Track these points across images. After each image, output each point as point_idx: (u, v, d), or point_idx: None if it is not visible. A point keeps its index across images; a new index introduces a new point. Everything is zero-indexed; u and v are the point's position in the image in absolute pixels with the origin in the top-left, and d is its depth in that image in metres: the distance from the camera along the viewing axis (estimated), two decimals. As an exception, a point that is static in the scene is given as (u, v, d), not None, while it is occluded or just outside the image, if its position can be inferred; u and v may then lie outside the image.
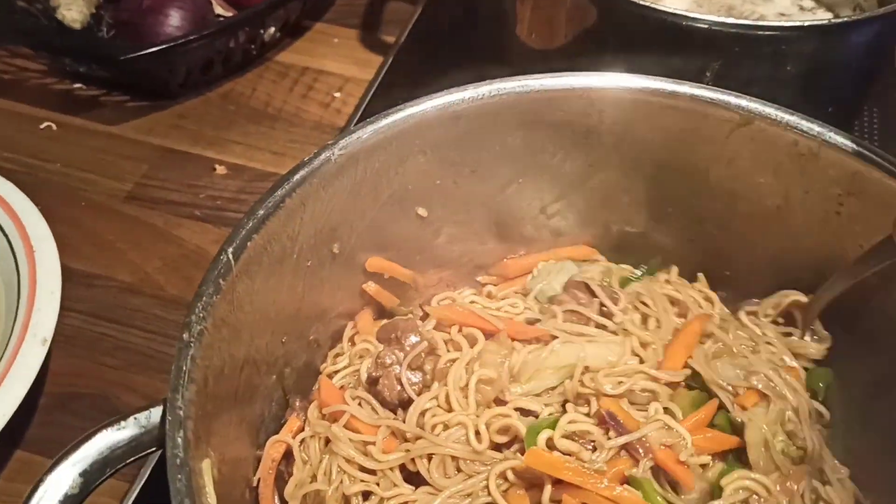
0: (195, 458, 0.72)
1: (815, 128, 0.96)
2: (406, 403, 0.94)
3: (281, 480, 0.96)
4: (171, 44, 1.44)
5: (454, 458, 0.87)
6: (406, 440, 0.91)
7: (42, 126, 1.50)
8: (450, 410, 0.90)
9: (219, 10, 1.64)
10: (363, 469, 0.90)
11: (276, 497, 0.95)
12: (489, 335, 0.97)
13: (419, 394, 0.93)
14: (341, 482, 0.89)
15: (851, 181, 0.96)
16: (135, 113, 1.54)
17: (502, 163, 1.06)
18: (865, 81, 1.34)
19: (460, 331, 0.98)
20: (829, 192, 0.98)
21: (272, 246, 0.90)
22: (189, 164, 1.46)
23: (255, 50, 1.64)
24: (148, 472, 1.04)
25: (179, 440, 0.70)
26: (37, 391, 1.11)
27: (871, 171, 0.94)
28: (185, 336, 0.77)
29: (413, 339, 0.97)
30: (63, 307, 1.11)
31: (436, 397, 0.91)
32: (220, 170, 1.46)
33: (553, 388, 0.93)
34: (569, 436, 0.86)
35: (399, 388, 0.94)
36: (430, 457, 0.88)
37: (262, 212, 0.87)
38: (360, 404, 0.96)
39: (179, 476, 0.69)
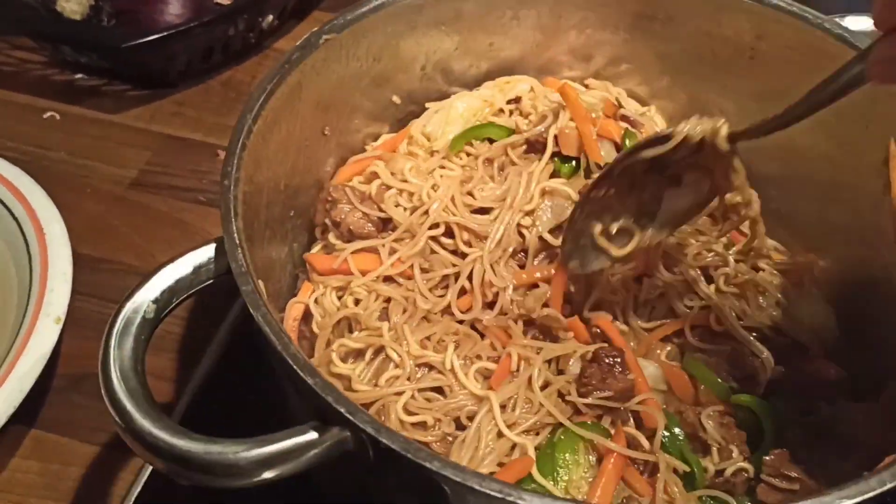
0: (255, 276, 0.84)
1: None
2: (377, 224, 1.11)
3: (303, 339, 1.09)
4: (171, 32, 1.46)
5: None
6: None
7: (45, 116, 1.52)
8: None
9: None
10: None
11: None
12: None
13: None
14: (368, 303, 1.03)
15: (759, 25, 1.14)
16: (136, 101, 1.56)
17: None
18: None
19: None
20: (743, 39, 1.16)
21: (279, 120, 1.02)
22: (191, 150, 1.47)
23: (253, 38, 1.65)
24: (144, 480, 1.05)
25: (240, 256, 0.82)
26: (50, 372, 1.13)
27: (772, 13, 1.11)
28: (226, 182, 0.88)
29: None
30: (71, 290, 1.15)
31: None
32: (223, 155, 1.50)
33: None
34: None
35: (361, 215, 1.10)
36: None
37: (269, 86, 0.99)
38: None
39: (248, 285, 0.80)
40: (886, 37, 0.70)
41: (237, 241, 0.84)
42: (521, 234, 1.09)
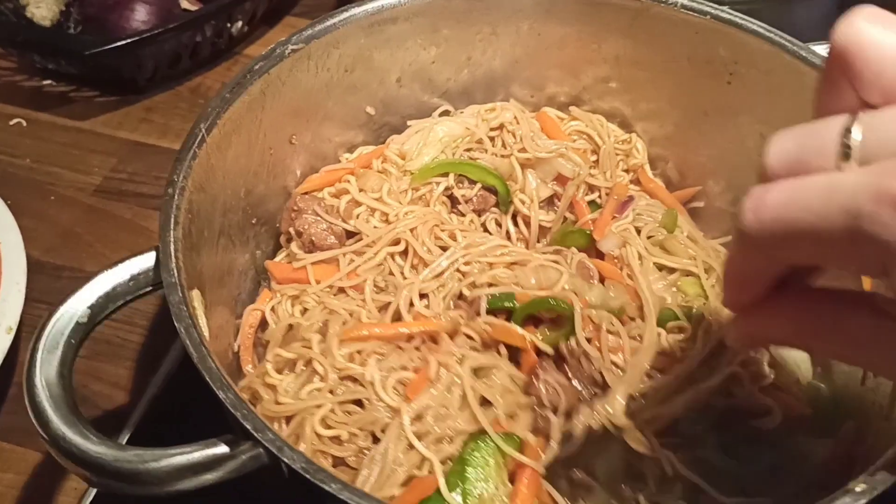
0: (186, 287, 0.85)
1: (704, 7, 1.11)
2: (340, 237, 1.12)
3: (259, 346, 1.10)
4: (136, 38, 1.46)
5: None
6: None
7: (12, 122, 1.52)
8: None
9: (185, 4, 1.64)
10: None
11: (256, 360, 1.08)
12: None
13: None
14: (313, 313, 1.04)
15: (737, 50, 1.11)
16: (104, 108, 1.56)
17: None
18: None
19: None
20: (721, 63, 1.14)
21: (240, 128, 1.03)
22: (158, 157, 1.48)
23: (222, 44, 1.66)
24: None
25: (173, 267, 0.83)
26: (5, 381, 1.14)
27: (751, 39, 1.09)
28: (170, 190, 0.89)
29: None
30: (31, 298, 1.14)
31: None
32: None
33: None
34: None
35: (325, 226, 1.10)
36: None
37: (228, 94, 1.00)
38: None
39: (176, 295, 0.81)
40: (738, 318, 0.68)
41: (171, 252, 0.85)
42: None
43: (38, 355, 0.79)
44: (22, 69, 1.61)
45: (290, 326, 1.05)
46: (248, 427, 0.72)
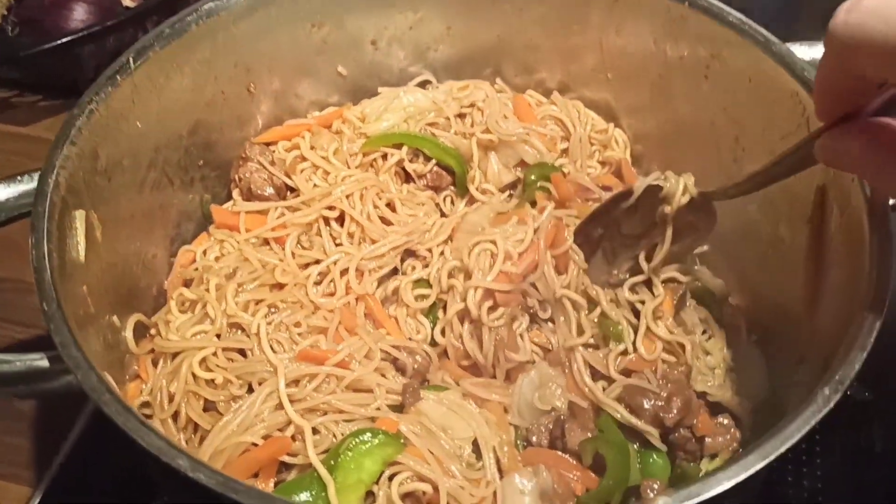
0: (69, 206, 0.86)
1: (682, -7, 1.04)
2: (280, 189, 1.11)
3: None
4: (72, 37, 1.39)
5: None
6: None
7: None
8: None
9: (127, 1, 1.56)
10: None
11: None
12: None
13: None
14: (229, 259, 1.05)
15: (713, 43, 1.03)
16: (47, 112, 1.50)
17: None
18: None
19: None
20: (699, 56, 1.06)
21: (182, 66, 1.03)
22: None
23: None
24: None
25: (51, 180, 0.84)
26: None
27: (727, 32, 1.01)
28: (76, 111, 0.90)
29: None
30: None
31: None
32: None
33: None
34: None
35: (266, 176, 1.10)
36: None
37: (167, 30, 1.01)
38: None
39: (41, 206, 0.82)
40: (830, 130, 0.75)
41: (55, 165, 0.86)
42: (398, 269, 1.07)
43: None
44: (-37, 77, 1.53)
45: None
46: (56, 340, 0.72)
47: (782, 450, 0.66)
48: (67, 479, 1.07)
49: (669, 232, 0.99)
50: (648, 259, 1.02)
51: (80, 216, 0.88)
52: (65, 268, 0.82)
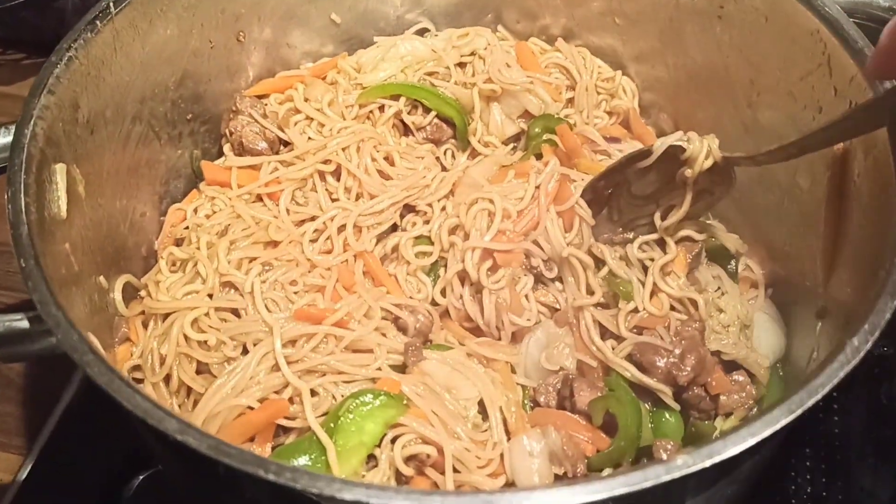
0: (48, 158, 0.81)
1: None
2: (273, 143, 1.07)
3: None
4: None
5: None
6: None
7: None
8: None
9: None
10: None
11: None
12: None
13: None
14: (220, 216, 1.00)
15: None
16: (32, 70, 1.44)
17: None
18: None
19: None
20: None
21: (166, 11, 0.98)
22: None
23: None
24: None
25: (27, 131, 0.79)
26: None
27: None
28: (53, 58, 0.85)
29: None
30: None
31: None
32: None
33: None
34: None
35: (258, 129, 1.05)
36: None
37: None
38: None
39: (18, 159, 0.77)
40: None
41: (32, 115, 0.81)
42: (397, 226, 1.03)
43: None
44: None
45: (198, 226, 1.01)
46: (34, 298, 0.67)
47: (810, 404, 0.62)
48: (58, 446, 1.03)
49: (689, 197, 0.94)
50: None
51: (60, 170, 0.83)
52: (44, 224, 0.77)
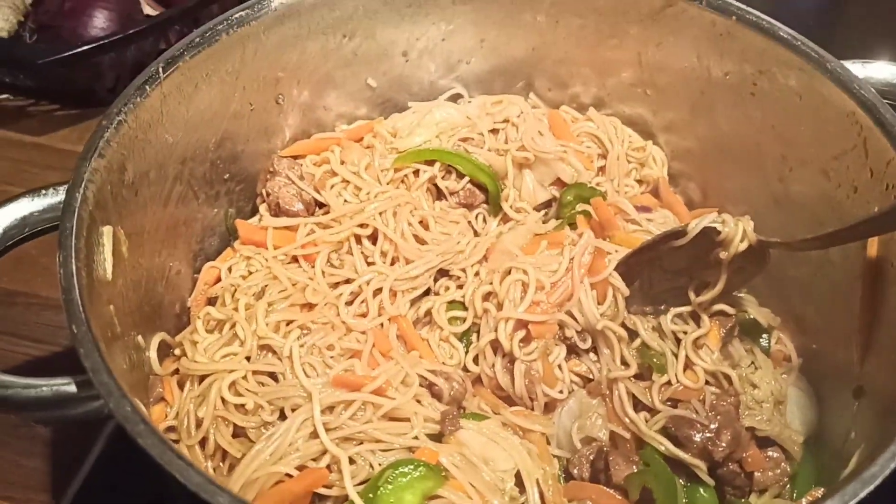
0: (96, 221, 0.82)
1: (730, 7, 1.00)
2: (309, 205, 1.08)
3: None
4: (92, 45, 1.34)
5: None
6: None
7: None
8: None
9: (147, 9, 1.52)
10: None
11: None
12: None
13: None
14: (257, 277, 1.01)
15: (761, 59, 0.99)
16: (64, 122, 1.44)
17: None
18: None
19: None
20: (745, 73, 1.02)
21: (211, 76, 0.99)
22: None
23: None
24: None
25: (78, 194, 0.80)
26: None
27: (777, 49, 0.97)
28: (104, 122, 0.87)
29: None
30: None
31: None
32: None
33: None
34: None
35: (295, 191, 1.06)
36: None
37: (198, 39, 0.97)
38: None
39: (69, 222, 0.78)
40: None
41: (83, 179, 0.82)
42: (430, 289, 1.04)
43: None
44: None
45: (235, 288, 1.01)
46: (86, 365, 0.68)
47: (863, 495, 0.62)
48: (85, 503, 1.02)
49: (724, 277, 0.94)
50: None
51: (107, 232, 0.84)
52: (93, 287, 0.78)
